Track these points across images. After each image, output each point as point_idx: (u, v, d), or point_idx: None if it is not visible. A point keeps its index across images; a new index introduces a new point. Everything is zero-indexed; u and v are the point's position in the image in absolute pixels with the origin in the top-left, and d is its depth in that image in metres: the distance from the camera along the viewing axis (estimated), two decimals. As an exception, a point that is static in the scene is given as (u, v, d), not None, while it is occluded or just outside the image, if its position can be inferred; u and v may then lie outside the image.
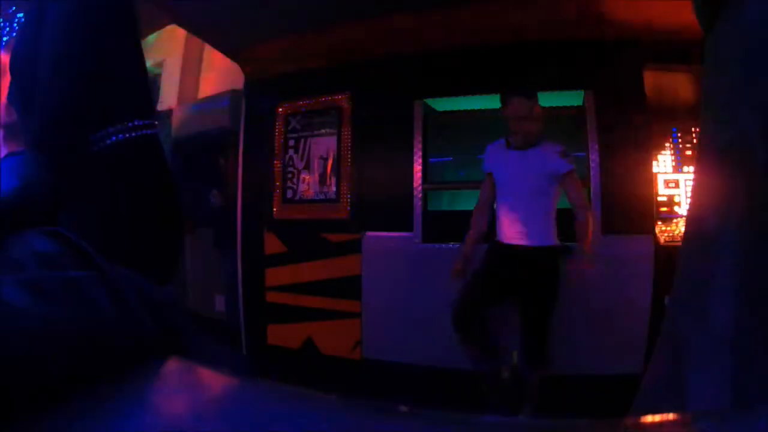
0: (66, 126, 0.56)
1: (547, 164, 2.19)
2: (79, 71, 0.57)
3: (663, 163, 2.78)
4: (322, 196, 3.18)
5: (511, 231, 2.24)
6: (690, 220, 0.54)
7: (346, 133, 3.12)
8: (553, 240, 2.22)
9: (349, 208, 3.07)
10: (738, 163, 0.42)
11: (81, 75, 0.57)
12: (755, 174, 0.40)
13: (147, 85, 0.66)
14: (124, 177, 0.57)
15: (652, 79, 2.63)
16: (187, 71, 4.83)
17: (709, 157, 0.50)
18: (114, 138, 0.56)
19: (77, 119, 0.56)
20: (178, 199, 0.66)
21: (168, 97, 4.96)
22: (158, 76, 5.23)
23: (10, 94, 0.61)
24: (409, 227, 2.88)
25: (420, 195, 2.89)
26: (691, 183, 2.69)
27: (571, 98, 2.77)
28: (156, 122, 0.63)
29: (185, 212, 3.93)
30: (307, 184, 3.23)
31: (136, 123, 0.58)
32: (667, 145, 2.80)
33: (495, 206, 2.37)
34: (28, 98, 0.59)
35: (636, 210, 2.59)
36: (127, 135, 0.57)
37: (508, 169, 2.27)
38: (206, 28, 3.15)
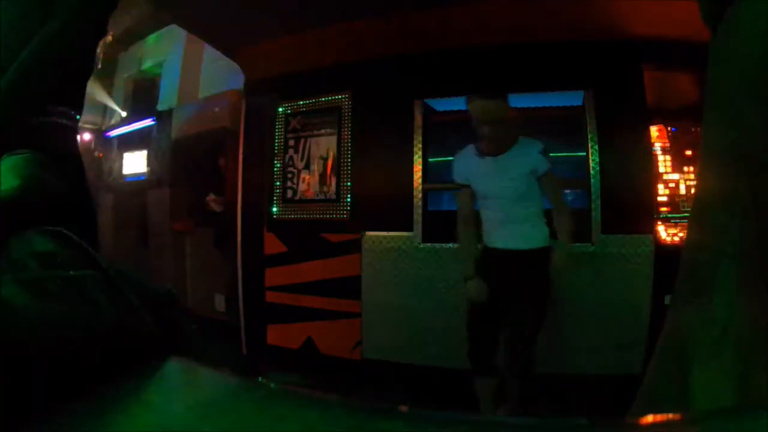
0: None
1: (528, 164, 2.06)
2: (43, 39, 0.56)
3: (663, 163, 2.78)
4: (322, 196, 3.18)
5: (501, 236, 2.11)
6: (693, 218, 0.54)
7: (346, 133, 3.12)
8: (545, 241, 2.10)
9: (349, 208, 3.07)
10: (741, 161, 0.42)
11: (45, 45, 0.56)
12: (758, 172, 0.40)
13: (87, 77, 0.65)
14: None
15: (652, 79, 2.63)
16: (187, 71, 4.83)
17: (712, 156, 0.50)
18: (38, 116, 0.55)
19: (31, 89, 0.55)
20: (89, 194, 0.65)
21: (168, 97, 4.97)
22: (158, 76, 5.24)
23: None
24: (409, 227, 2.88)
25: (420, 195, 2.89)
26: (692, 183, 2.69)
27: (571, 98, 2.77)
28: (79, 115, 0.62)
29: (181, 212, 3.91)
30: (307, 184, 3.23)
31: (64, 110, 0.57)
32: (667, 145, 2.79)
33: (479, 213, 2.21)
34: None
35: (636, 210, 2.59)
36: (52, 118, 0.56)
37: (487, 179, 2.11)
38: (206, 28, 3.15)
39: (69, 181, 0.54)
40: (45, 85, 0.57)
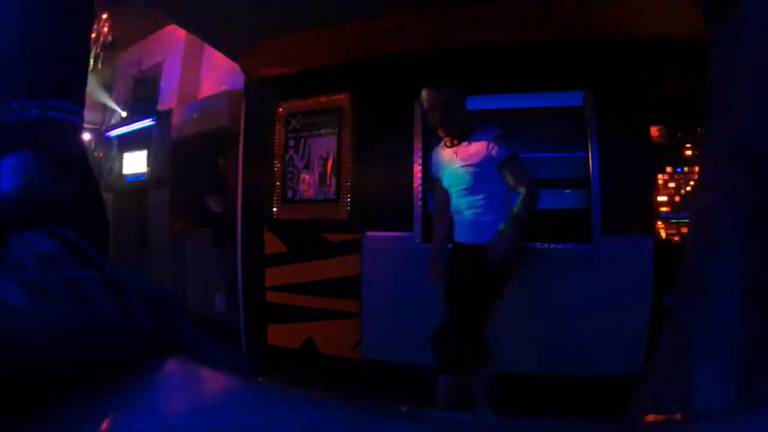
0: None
1: (481, 152, 1.97)
2: (26, 33, 0.56)
3: (663, 163, 2.78)
4: (322, 196, 3.18)
5: (460, 230, 2.09)
6: (694, 218, 0.54)
7: (346, 133, 3.12)
8: (489, 237, 1.97)
9: (349, 208, 3.07)
10: (742, 162, 0.42)
11: (28, 37, 0.56)
12: (759, 173, 0.40)
13: (85, 74, 0.65)
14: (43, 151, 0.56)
15: (653, 80, 2.63)
16: (187, 71, 4.84)
17: (713, 156, 0.50)
18: (36, 111, 0.55)
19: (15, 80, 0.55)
20: (98, 188, 0.65)
21: (168, 97, 4.97)
22: (158, 76, 5.24)
23: None
24: (409, 227, 2.88)
25: (420, 195, 2.89)
26: (691, 183, 2.69)
27: (571, 98, 2.77)
28: (82, 112, 0.62)
29: (181, 212, 3.90)
30: (307, 184, 3.23)
31: (64, 105, 0.57)
32: (667, 144, 2.79)
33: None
34: None
35: (636, 210, 2.59)
36: (52, 114, 0.56)
37: (444, 169, 2.10)
38: (206, 28, 3.15)
39: (72, 181, 0.54)
40: (34, 72, 0.56)
